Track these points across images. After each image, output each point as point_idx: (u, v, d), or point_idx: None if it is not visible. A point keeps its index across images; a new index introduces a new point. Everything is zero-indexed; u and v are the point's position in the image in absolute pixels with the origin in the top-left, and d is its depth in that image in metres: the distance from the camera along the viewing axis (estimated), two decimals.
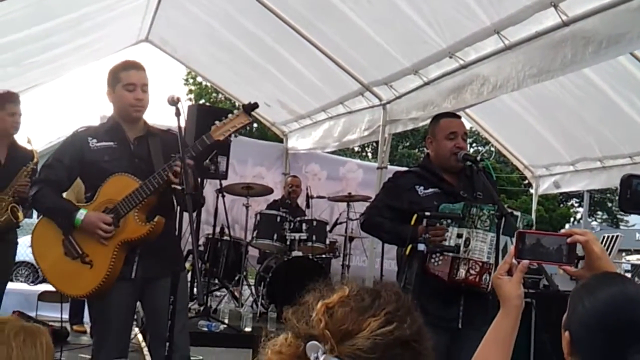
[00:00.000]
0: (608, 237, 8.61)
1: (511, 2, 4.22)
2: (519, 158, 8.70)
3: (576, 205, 34.98)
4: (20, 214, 4.74)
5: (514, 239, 3.45)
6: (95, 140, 3.45)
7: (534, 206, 9.12)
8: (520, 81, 4.50)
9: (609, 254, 8.38)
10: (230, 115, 3.50)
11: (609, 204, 34.43)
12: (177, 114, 3.33)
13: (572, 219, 34.17)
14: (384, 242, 4.30)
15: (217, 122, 3.48)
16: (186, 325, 3.55)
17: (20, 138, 4.92)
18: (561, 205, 33.96)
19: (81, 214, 3.30)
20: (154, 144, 3.44)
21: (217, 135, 3.43)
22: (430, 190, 3.73)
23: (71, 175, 3.50)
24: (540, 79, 4.44)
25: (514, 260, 1.80)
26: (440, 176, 3.79)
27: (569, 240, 1.73)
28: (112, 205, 3.34)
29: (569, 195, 31.99)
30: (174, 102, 3.34)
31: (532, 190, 9.06)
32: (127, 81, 3.44)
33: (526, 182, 19.37)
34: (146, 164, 3.42)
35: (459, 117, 4.04)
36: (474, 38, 4.80)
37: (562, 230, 1.84)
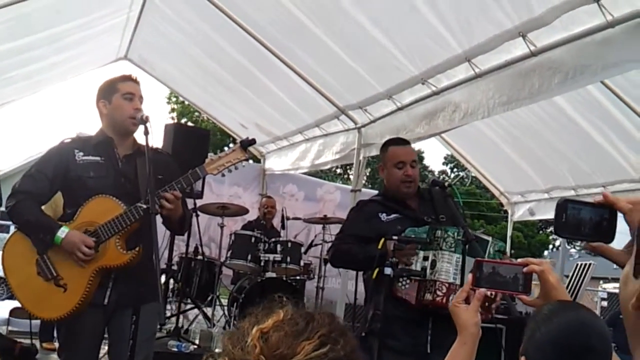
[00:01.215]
0: (581, 264, 8.66)
1: (481, 30, 4.29)
2: (494, 184, 8.78)
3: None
4: None
5: None
6: (82, 154, 3.34)
7: (509, 232, 9.19)
8: (490, 108, 4.55)
9: (582, 282, 8.43)
10: (226, 149, 3.43)
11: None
12: (146, 132, 3.27)
13: (550, 246, 34.35)
14: (355, 268, 4.30)
15: (211, 155, 3.38)
16: (149, 356, 3.44)
17: None
18: (540, 232, 34.18)
19: (62, 232, 3.18)
20: (141, 164, 3.28)
21: (211, 169, 3.35)
22: (393, 216, 3.79)
23: (53, 188, 3.36)
24: (510, 107, 4.50)
25: (471, 289, 1.82)
26: (400, 202, 3.84)
27: (525, 269, 1.75)
28: (93, 228, 3.22)
29: (548, 222, 32.17)
30: (142, 121, 3.29)
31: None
32: (125, 90, 3.36)
33: (505, 208, 19.46)
34: (132, 185, 3.32)
35: (408, 143, 4.07)
36: (446, 65, 4.86)
37: (519, 260, 1.87)
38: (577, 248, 36.23)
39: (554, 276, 1.73)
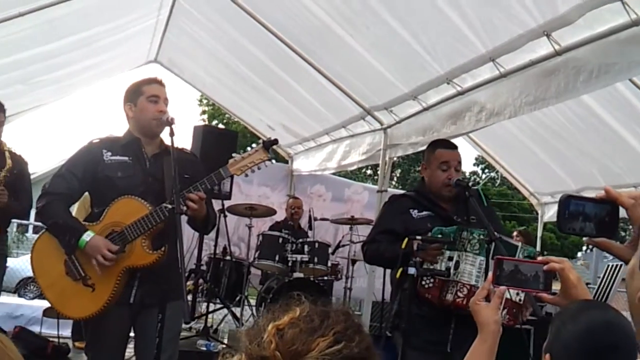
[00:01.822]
0: (613, 266, 8.53)
1: (505, 30, 4.26)
2: (524, 185, 8.70)
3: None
4: None
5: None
6: (110, 154, 3.39)
7: (539, 233, 9.10)
8: (517, 108, 4.52)
9: (613, 283, 8.31)
10: (249, 149, 3.45)
11: (623, 233, 34.07)
12: (171, 134, 3.31)
13: (584, 247, 33.82)
14: (386, 267, 4.33)
15: (234, 155, 3.41)
16: (174, 356, 3.48)
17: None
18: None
19: (88, 236, 3.22)
20: (168, 164, 3.32)
21: (234, 170, 3.38)
22: (425, 213, 3.80)
23: (82, 188, 3.42)
24: (537, 107, 4.46)
25: (491, 287, 1.83)
26: (433, 201, 3.85)
27: (545, 267, 1.75)
28: (119, 229, 3.27)
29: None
30: (167, 123, 3.34)
31: None
32: (150, 93, 3.42)
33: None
34: (158, 185, 3.36)
35: (455, 147, 4.07)
36: (470, 65, 4.83)
37: (540, 258, 1.87)
38: None
39: (574, 274, 1.73)
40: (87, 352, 3.51)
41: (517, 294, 3.44)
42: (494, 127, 5.63)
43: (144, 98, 3.44)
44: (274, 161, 3.67)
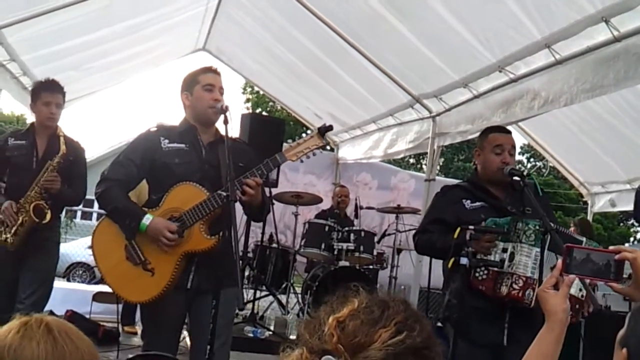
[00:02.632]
0: None
1: (562, 16, 4.17)
2: (574, 174, 8.54)
3: (636, 224, 33.91)
4: (48, 213, 4.34)
5: (559, 256, 3.42)
6: (167, 141, 3.42)
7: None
8: (573, 96, 4.43)
9: None
10: (304, 136, 3.46)
11: None
12: (225, 122, 3.32)
13: (632, 239, 33.14)
14: (438, 257, 4.30)
15: (290, 142, 3.44)
16: (228, 342, 3.49)
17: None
18: (621, 224, 33.00)
19: (147, 219, 3.26)
20: (223, 152, 3.32)
21: (290, 155, 3.37)
22: (478, 203, 3.72)
23: (141, 175, 3.45)
24: (594, 95, 4.36)
25: (561, 275, 1.80)
26: (487, 190, 3.77)
27: (617, 257, 1.71)
28: (178, 214, 3.29)
29: (629, 214, 31.05)
30: (222, 111, 3.35)
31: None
32: (205, 82, 3.44)
33: (584, 199, 18.91)
34: (215, 171, 3.39)
35: (509, 132, 4.00)
36: (524, 52, 4.75)
37: (611, 247, 1.83)
38: None
39: None
40: (143, 337, 3.56)
41: (580, 289, 3.36)
42: (543, 115, 5.52)
43: (200, 87, 3.46)
44: (323, 150, 3.65)
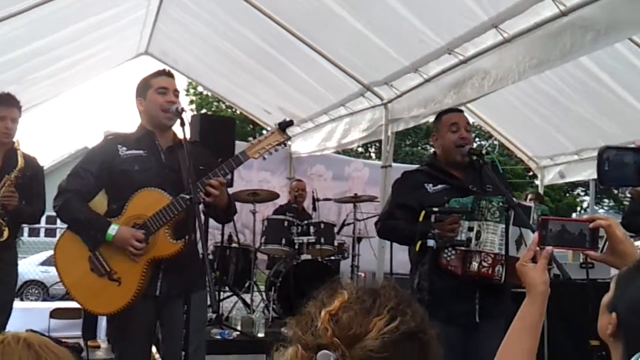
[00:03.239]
0: None
1: None
2: (522, 150, 8.70)
3: (582, 194, 34.90)
4: (6, 231, 4.22)
5: (526, 230, 3.48)
6: (125, 148, 3.38)
7: None
8: (520, 72, 4.50)
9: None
10: (265, 133, 3.47)
11: (615, 191, 34.31)
12: (182, 124, 3.30)
13: (578, 208, 34.08)
14: (401, 244, 4.34)
15: (251, 140, 3.45)
16: (202, 345, 3.48)
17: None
18: (567, 195, 33.87)
19: (113, 229, 3.22)
20: (182, 155, 3.32)
21: (252, 153, 3.36)
22: (440, 186, 3.75)
23: (99, 184, 3.39)
24: (541, 70, 4.45)
25: (537, 248, 1.81)
26: (448, 172, 3.81)
27: (591, 225, 1.73)
28: (142, 221, 3.26)
29: (574, 185, 31.90)
30: (178, 112, 3.32)
31: (537, 182, 9.08)
32: (158, 85, 3.41)
33: (531, 173, 19.29)
34: (176, 176, 3.35)
35: (461, 110, 4.07)
36: (473, 34, 4.81)
37: (584, 216, 1.85)
38: (605, 209, 35.94)
39: (621, 230, 1.71)
40: (114, 348, 3.50)
41: (500, 247, 3.45)
42: (490, 95, 5.61)
43: (153, 91, 3.42)
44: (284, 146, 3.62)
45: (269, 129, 3.55)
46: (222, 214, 3.54)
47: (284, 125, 3.42)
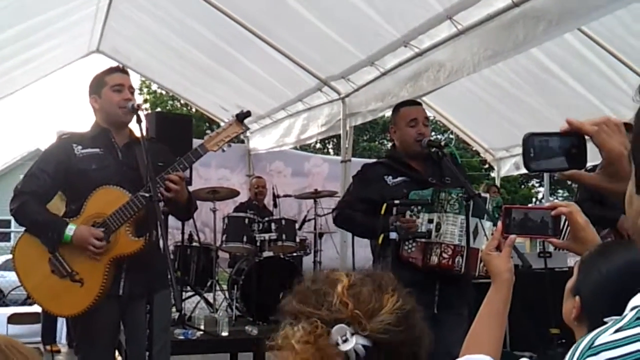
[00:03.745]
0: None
1: None
2: (479, 142, 8.81)
3: (537, 185, 35.55)
4: None
5: (482, 220, 3.52)
6: (80, 147, 3.31)
7: None
8: (475, 64, 4.54)
9: (567, 232, 8.54)
10: (222, 125, 3.43)
11: (569, 182, 35.01)
12: (139, 121, 3.25)
13: (534, 199, 34.73)
14: (357, 235, 4.35)
15: (209, 132, 3.39)
16: (167, 346, 3.44)
17: None
18: (522, 186, 34.48)
19: (70, 230, 3.16)
20: (140, 152, 3.27)
21: (211, 146, 3.33)
22: (399, 179, 3.78)
23: (56, 185, 3.34)
24: (495, 61, 4.52)
25: (501, 236, 1.83)
26: (407, 164, 3.83)
27: (553, 212, 1.74)
28: (101, 219, 3.20)
29: (529, 176, 32.49)
30: (134, 109, 3.27)
31: (493, 174, 9.20)
32: (113, 83, 3.35)
33: (487, 166, 19.57)
34: (134, 173, 3.31)
35: (420, 103, 4.10)
36: (428, 25, 4.84)
37: (546, 204, 1.87)
38: (561, 199, 36.68)
39: (582, 217, 1.73)
40: (77, 351, 3.44)
41: (459, 238, 3.50)
42: (446, 88, 5.66)
43: (108, 88, 3.35)
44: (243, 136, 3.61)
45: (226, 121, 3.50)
46: (183, 209, 3.50)
47: (241, 117, 3.39)
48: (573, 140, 1.40)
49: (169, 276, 3.25)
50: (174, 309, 3.74)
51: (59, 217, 3.29)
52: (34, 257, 3.25)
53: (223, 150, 3.39)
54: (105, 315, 3.26)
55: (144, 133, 3.27)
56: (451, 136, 28.84)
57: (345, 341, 1.20)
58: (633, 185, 1.02)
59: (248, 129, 3.50)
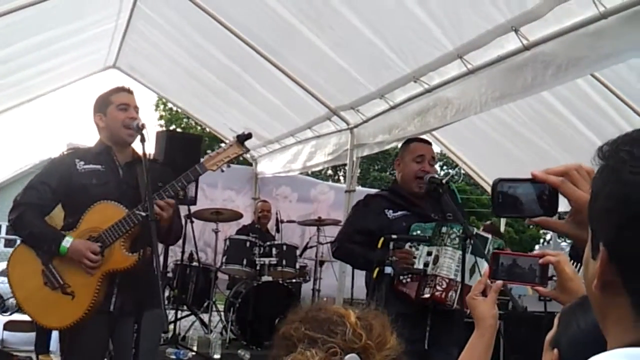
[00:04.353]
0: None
1: (472, 27, 4.29)
2: (486, 180, 8.78)
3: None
4: None
5: (480, 259, 3.52)
6: (82, 163, 3.36)
7: (502, 227, 9.20)
8: (482, 104, 4.55)
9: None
10: (223, 145, 3.45)
11: None
12: (142, 140, 3.29)
13: (541, 240, 34.48)
14: (355, 268, 4.36)
15: (209, 152, 3.41)
16: None
17: None
18: (530, 226, 34.27)
19: (67, 242, 3.19)
20: (141, 171, 3.31)
21: (210, 165, 3.36)
22: (399, 213, 3.80)
23: (56, 198, 3.37)
24: (503, 102, 4.51)
25: (488, 281, 1.82)
26: (409, 199, 3.85)
27: (541, 261, 1.73)
28: (97, 233, 3.23)
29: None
30: (139, 129, 3.31)
31: None
32: (119, 102, 3.41)
33: None
34: (133, 191, 3.34)
35: (430, 143, 4.12)
36: (438, 63, 4.85)
37: (535, 252, 1.87)
38: (568, 241, 36.39)
39: (570, 267, 1.72)
40: None
41: (455, 273, 3.49)
42: (456, 125, 5.66)
43: (114, 107, 3.41)
44: (238, 165, 3.64)
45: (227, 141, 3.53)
46: (163, 234, 3.47)
47: (242, 138, 3.43)
48: (543, 187, 1.39)
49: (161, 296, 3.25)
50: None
51: (56, 229, 3.32)
52: (27, 268, 3.27)
53: (222, 170, 3.42)
54: (94, 331, 3.26)
55: (146, 152, 3.29)
56: (461, 172, 28.83)
57: None
58: (589, 249, 1.02)
59: (248, 150, 3.53)
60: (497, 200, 1.40)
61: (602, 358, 0.97)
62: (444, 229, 3.54)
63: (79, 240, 3.21)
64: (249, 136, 3.47)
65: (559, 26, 3.75)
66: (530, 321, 6.24)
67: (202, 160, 3.41)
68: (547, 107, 5.72)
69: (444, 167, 34.85)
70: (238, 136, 3.44)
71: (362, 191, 7.10)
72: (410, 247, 3.64)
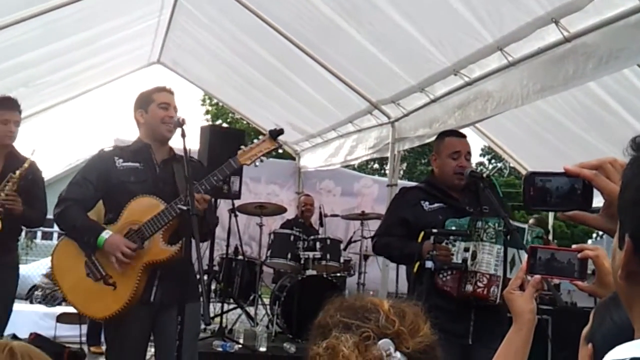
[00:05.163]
0: None
1: (512, 19, 4.24)
2: None
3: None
4: None
5: (521, 252, 3.49)
6: (121, 160, 3.47)
7: (551, 221, 9.04)
8: (524, 97, 4.50)
9: None
10: (256, 140, 3.53)
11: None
12: (183, 135, 3.38)
13: (594, 235, 33.75)
14: (395, 261, 4.35)
15: (243, 147, 3.48)
16: (195, 357, 3.51)
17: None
18: None
19: (107, 233, 3.30)
20: (178, 169, 3.43)
21: (244, 159, 3.43)
22: (436, 205, 3.78)
23: (98, 194, 3.49)
24: (544, 95, 4.45)
25: (525, 276, 1.81)
26: (445, 192, 3.83)
27: (579, 255, 1.72)
28: (137, 226, 3.34)
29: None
30: (179, 124, 3.41)
31: None
32: (161, 100, 3.51)
33: None
34: (170, 188, 3.43)
35: (464, 136, 4.06)
36: (478, 55, 4.82)
37: (574, 246, 1.85)
38: None
39: (609, 262, 1.71)
40: (107, 355, 3.53)
41: (495, 268, 3.45)
42: (501, 117, 5.60)
43: (155, 105, 3.52)
44: (279, 156, 3.69)
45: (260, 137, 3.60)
46: None
47: (274, 134, 3.49)
48: (576, 181, 1.39)
49: (200, 289, 3.35)
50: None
51: (97, 223, 3.44)
52: (71, 260, 3.40)
53: (255, 165, 3.49)
54: (135, 322, 3.35)
55: (186, 147, 3.37)
56: (509, 165, 28.38)
57: (388, 355, 1.29)
58: (617, 240, 1.02)
59: (280, 145, 3.60)
60: (528, 194, 1.40)
61: (627, 347, 0.97)
62: (479, 224, 3.51)
63: (118, 236, 3.32)
64: (280, 132, 3.53)
65: (599, 17, 3.69)
66: (580, 317, 6.10)
67: (237, 154, 3.47)
68: (592, 98, 5.61)
69: (492, 161, 34.38)
70: (270, 131, 3.52)
71: (404, 184, 7.10)
72: (447, 243, 3.61)
